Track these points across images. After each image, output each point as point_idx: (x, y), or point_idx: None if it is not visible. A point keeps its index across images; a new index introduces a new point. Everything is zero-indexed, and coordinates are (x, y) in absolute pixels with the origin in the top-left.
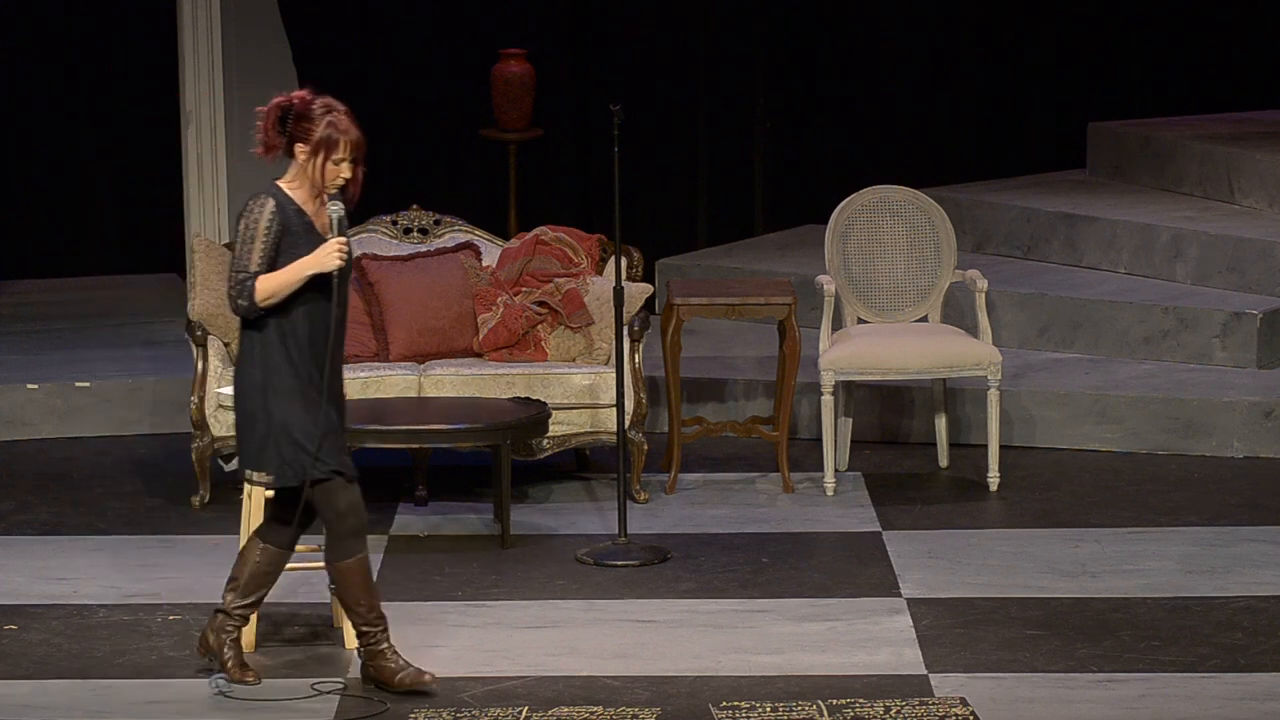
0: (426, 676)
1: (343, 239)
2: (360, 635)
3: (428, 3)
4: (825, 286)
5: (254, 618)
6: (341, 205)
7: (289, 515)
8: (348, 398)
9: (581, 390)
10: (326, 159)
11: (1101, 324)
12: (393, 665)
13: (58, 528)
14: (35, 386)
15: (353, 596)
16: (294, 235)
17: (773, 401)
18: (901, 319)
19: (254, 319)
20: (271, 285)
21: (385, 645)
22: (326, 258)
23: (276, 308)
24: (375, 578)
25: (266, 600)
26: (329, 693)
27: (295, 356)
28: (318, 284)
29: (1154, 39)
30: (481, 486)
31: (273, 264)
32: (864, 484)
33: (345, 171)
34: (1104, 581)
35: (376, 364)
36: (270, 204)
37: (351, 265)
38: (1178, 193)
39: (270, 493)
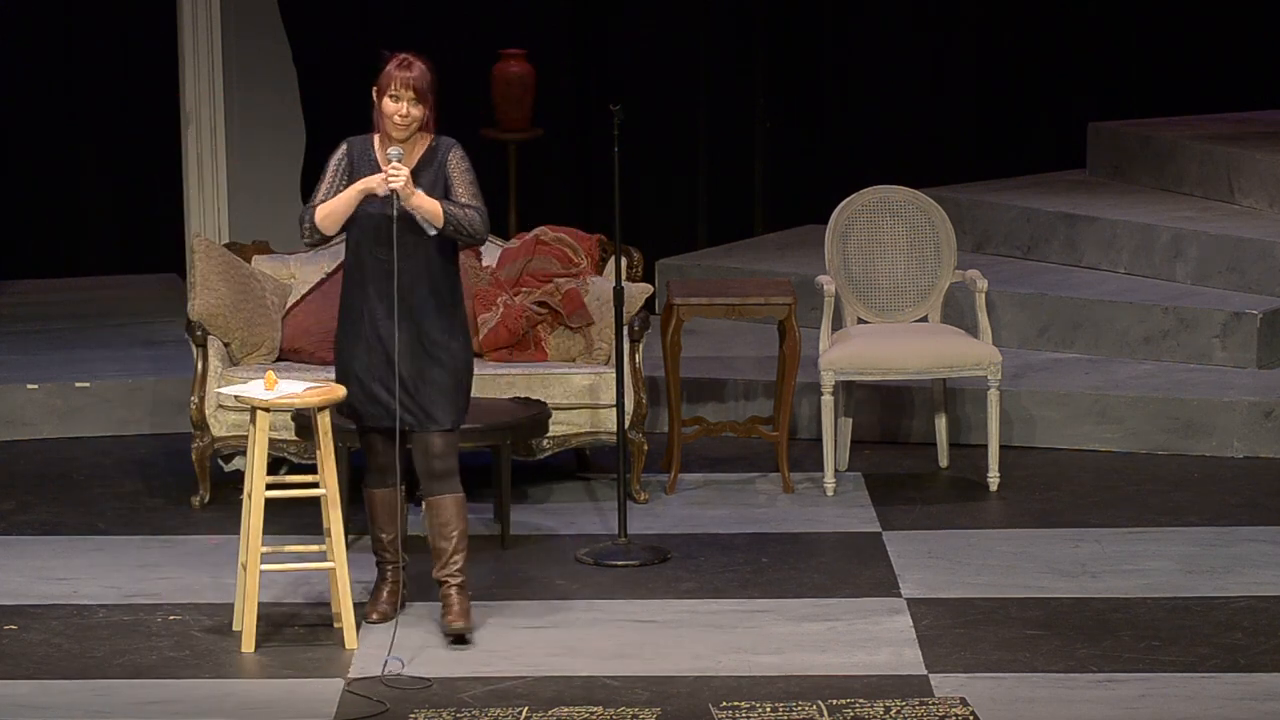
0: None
1: (396, 166)
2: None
3: (428, 3)
4: (825, 286)
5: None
6: (400, 149)
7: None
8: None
9: (581, 390)
10: (381, 97)
11: (1101, 324)
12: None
13: (58, 528)
14: (35, 386)
15: (370, 519)
16: (361, 174)
17: (773, 401)
18: (901, 319)
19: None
20: (326, 208)
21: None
22: (372, 179)
23: (348, 254)
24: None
25: (266, 600)
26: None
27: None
28: (374, 230)
29: (1154, 39)
30: (481, 486)
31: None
32: (864, 484)
33: (401, 108)
34: (1104, 581)
35: None
36: (342, 146)
37: (407, 215)
38: (1178, 193)
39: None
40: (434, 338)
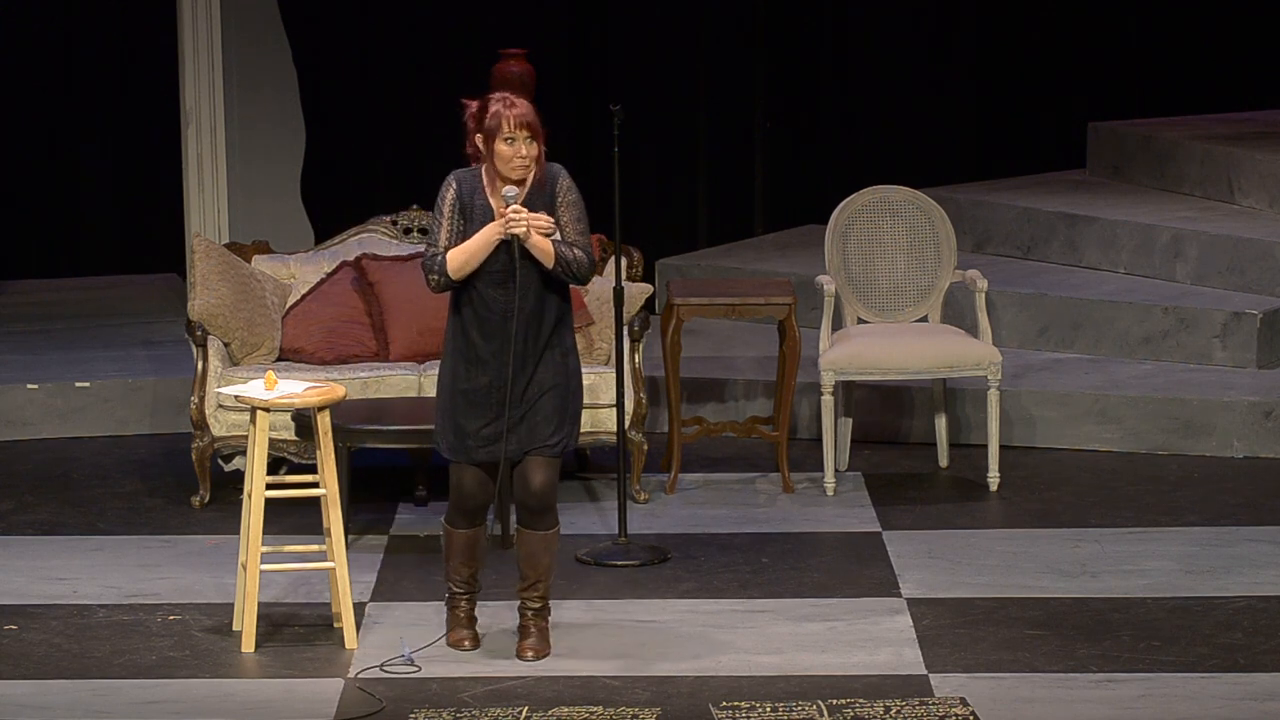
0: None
1: (516, 210)
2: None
3: (428, 3)
4: (825, 286)
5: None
6: (515, 189)
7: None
8: (349, 397)
9: None
10: (493, 142)
11: (1101, 324)
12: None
13: (58, 528)
14: (35, 386)
15: (448, 556)
16: (470, 218)
17: (773, 401)
18: (901, 319)
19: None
20: (459, 258)
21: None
22: (499, 224)
23: (457, 294)
24: (375, 578)
25: (266, 600)
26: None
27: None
28: (490, 273)
29: (1154, 39)
30: None
31: (463, 239)
32: (864, 484)
33: (519, 150)
34: (1104, 581)
35: (376, 364)
36: (450, 184)
37: (525, 257)
38: (1178, 193)
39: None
40: (546, 376)
